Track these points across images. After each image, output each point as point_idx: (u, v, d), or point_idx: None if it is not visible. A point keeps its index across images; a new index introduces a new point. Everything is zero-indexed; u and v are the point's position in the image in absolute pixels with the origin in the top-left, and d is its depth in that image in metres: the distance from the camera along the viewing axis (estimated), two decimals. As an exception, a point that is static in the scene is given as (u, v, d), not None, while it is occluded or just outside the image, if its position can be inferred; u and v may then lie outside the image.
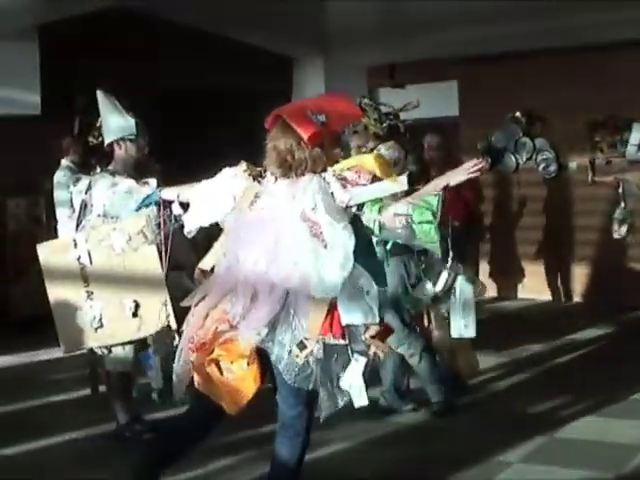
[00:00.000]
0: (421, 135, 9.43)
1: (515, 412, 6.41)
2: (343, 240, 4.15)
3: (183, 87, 10.83)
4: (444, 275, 6.12)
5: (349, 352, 4.25)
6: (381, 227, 4.30)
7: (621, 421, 6.10)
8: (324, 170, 4.29)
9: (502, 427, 6.04)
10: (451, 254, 6.16)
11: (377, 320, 4.23)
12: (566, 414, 6.23)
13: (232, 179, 4.47)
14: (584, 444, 5.67)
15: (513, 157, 11.16)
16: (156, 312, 5.50)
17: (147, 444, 4.70)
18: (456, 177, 4.38)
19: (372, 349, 4.32)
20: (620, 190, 7.16)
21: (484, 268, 11.61)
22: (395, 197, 4.51)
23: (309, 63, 11.41)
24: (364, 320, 4.22)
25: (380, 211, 4.25)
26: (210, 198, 4.55)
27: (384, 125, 6.44)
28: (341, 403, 4.32)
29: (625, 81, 10.35)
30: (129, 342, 5.70)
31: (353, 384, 4.23)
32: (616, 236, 7.23)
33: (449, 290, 6.14)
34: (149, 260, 5.48)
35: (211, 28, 10.12)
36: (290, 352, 4.15)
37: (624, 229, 7.14)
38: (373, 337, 4.32)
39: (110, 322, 5.60)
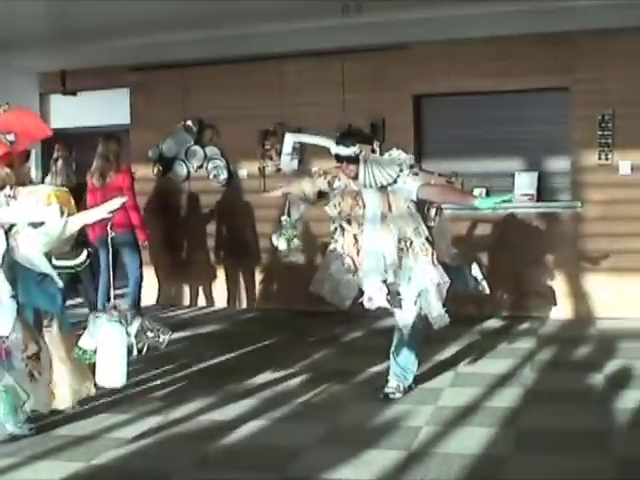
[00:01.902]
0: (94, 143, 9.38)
1: (174, 420, 6.33)
2: None
3: None
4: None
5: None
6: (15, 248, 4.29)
7: (286, 424, 6.21)
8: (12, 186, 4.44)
9: (163, 436, 5.99)
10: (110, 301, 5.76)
11: (5, 334, 4.24)
12: (233, 420, 6.27)
13: None
14: (250, 448, 5.72)
15: (184, 165, 11.30)
16: None
17: None
18: (97, 215, 4.54)
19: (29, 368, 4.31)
20: (287, 203, 7.11)
21: (166, 276, 11.66)
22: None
23: (-23, 67, 10.96)
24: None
25: None
26: None
27: None
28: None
29: (298, 90, 10.73)
30: None
31: None
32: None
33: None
34: None
35: None
36: None
37: (279, 242, 7.04)
38: (30, 357, 4.30)
39: None
